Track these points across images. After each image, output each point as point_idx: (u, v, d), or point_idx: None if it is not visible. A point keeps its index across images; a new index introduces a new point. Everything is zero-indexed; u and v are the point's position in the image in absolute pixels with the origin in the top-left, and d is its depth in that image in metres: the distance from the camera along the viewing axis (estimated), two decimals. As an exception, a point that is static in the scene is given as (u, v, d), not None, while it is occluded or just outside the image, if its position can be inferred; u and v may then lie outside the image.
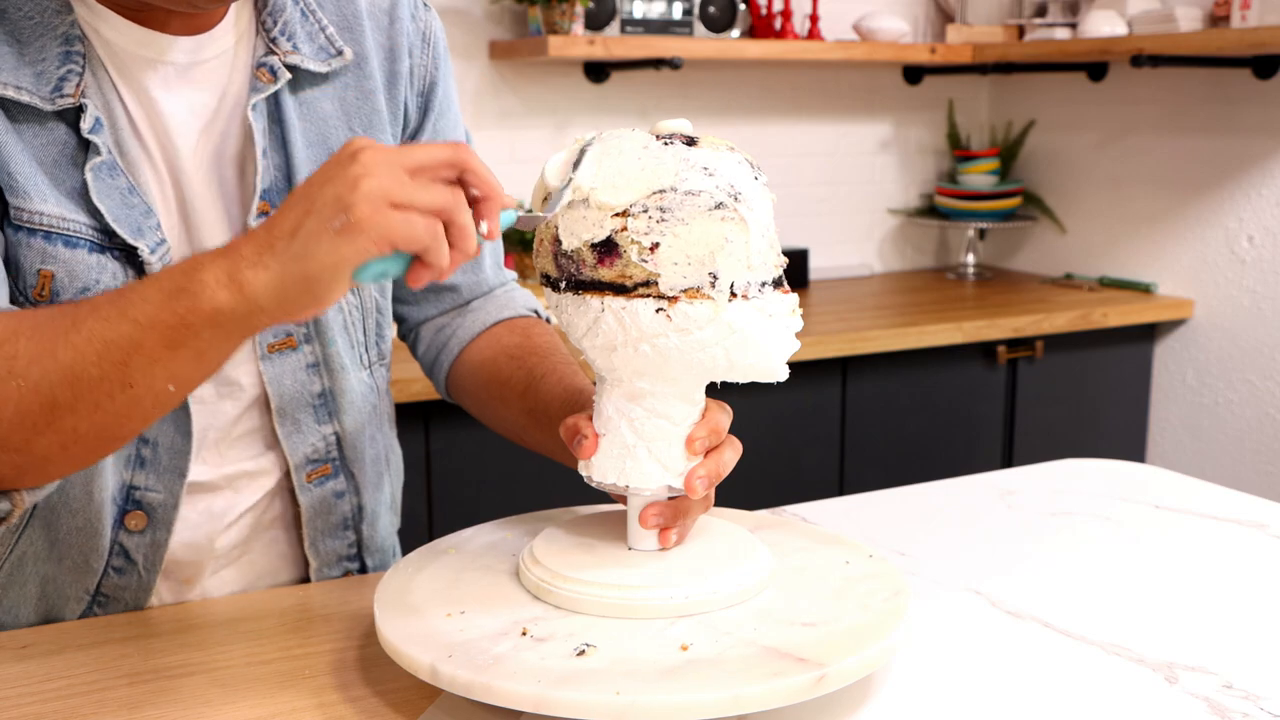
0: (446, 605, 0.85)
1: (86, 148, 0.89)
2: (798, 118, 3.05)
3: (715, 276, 0.80)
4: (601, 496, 0.94)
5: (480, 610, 0.84)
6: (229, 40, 0.96)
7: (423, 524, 2.13)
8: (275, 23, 0.97)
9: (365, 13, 1.04)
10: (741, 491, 2.38)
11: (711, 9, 2.70)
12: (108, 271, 0.90)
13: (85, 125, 0.89)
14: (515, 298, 1.17)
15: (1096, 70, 2.93)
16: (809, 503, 1.23)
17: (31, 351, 0.76)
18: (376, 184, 0.70)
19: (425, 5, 1.10)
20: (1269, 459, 2.68)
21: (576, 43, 2.47)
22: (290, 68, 0.97)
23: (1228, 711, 0.80)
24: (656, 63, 2.59)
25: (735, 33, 2.73)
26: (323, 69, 0.99)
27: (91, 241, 0.90)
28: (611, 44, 2.51)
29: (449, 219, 0.72)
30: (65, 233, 0.89)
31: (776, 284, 0.83)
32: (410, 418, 2.00)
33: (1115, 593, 1.00)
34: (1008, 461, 2.70)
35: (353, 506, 1.08)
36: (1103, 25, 2.67)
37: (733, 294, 0.80)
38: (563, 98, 2.76)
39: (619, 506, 0.95)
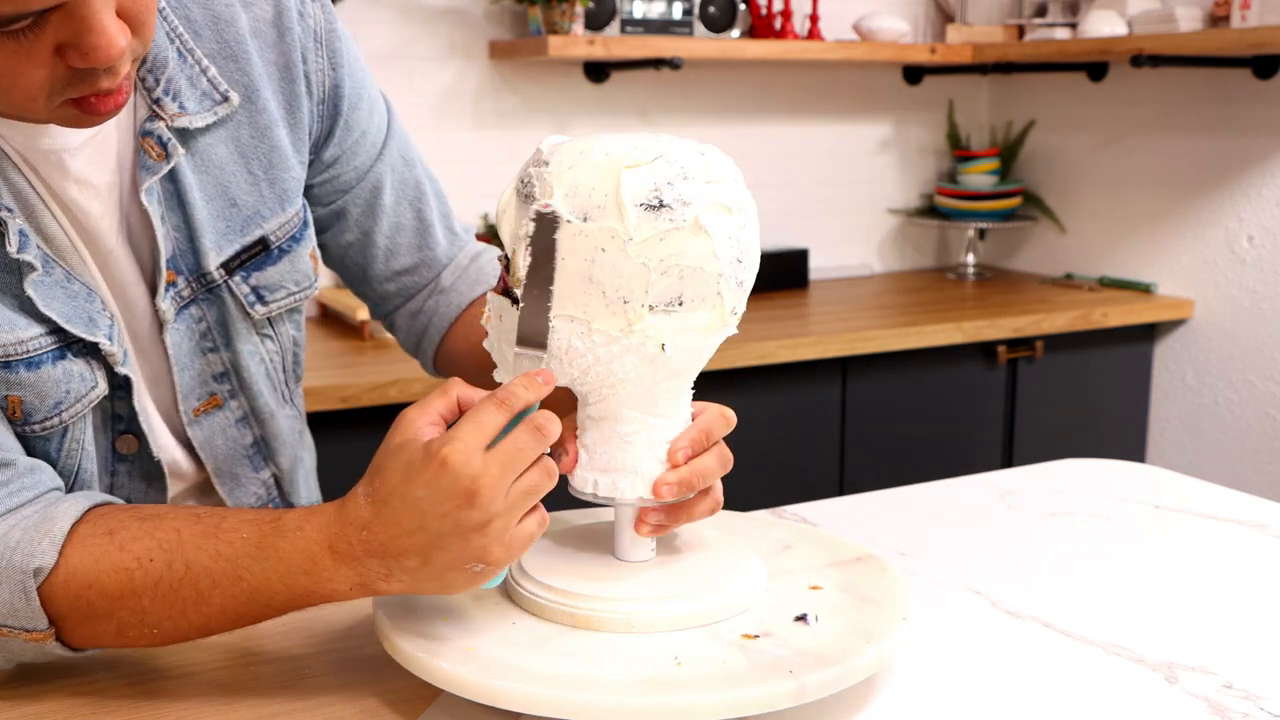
0: (445, 608, 0.85)
1: (18, 264, 0.84)
2: (798, 118, 3.05)
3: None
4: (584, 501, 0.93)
5: (477, 615, 0.84)
6: None
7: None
8: (157, 81, 0.88)
9: (249, 33, 0.94)
10: (741, 491, 2.38)
11: (711, 9, 2.69)
12: (75, 378, 0.87)
13: (11, 247, 0.83)
14: (485, 269, 1.13)
15: (1096, 70, 2.93)
16: (809, 503, 1.23)
17: (161, 611, 0.80)
18: (503, 524, 0.75)
19: None
20: (1269, 459, 2.68)
21: (576, 43, 2.47)
22: (178, 131, 0.89)
23: (1228, 711, 0.80)
24: (656, 63, 2.59)
25: (735, 33, 2.73)
26: (209, 119, 0.91)
27: (51, 352, 0.86)
28: (611, 44, 2.50)
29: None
30: (23, 356, 0.85)
31: None
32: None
33: (1115, 593, 1.00)
34: (1008, 461, 2.70)
35: None
36: (1103, 25, 2.67)
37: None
38: (563, 98, 2.76)
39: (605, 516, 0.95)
